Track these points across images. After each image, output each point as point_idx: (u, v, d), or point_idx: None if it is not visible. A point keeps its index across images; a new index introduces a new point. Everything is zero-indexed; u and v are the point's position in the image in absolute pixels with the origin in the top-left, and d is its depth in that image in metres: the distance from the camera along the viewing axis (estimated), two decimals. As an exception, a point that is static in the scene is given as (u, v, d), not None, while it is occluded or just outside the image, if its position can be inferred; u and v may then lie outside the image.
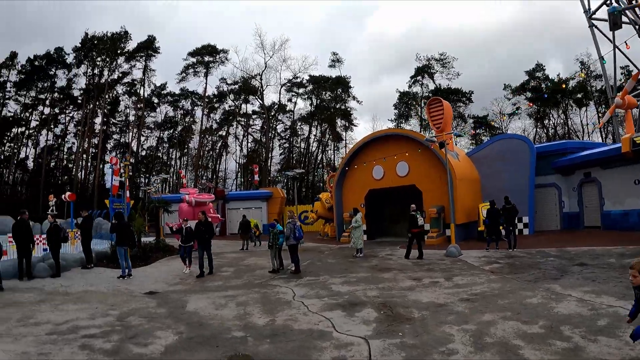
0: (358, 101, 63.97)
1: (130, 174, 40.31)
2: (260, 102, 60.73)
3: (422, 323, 6.98)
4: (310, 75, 62.21)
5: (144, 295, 10.43)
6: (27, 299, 9.63)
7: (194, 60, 62.49)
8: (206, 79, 62.52)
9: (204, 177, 59.45)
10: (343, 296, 9.34)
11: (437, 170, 20.71)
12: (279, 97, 62.57)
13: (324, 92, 63.52)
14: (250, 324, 7.42)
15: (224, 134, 64.41)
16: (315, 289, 10.29)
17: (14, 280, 11.63)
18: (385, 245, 20.20)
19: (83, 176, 60.59)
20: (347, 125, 63.57)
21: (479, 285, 9.80)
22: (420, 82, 60.61)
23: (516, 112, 46.73)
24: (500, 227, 16.38)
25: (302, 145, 65.78)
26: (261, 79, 58.98)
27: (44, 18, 79.46)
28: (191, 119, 65.03)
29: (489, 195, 20.70)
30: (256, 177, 43.43)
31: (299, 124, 65.17)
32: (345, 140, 63.24)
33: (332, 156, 64.29)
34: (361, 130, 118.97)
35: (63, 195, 27.85)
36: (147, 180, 58.43)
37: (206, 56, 62.31)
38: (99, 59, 60.08)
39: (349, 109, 63.28)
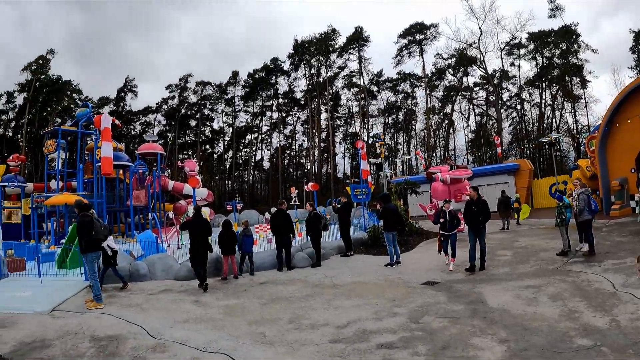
0: (593, 50, 52.69)
1: (386, 153, 40.87)
2: (483, 71, 55.49)
3: None
4: (528, 33, 54.40)
5: (422, 286, 8.74)
6: (292, 293, 8.68)
7: (405, 41, 60.78)
8: (422, 58, 60.09)
9: (436, 155, 57.65)
10: (680, 286, 6.99)
11: None
12: (502, 63, 56.50)
13: (549, 48, 54.85)
14: (588, 327, 5.52)
15: (448, 110, 61.57)
16: (633, 276, 7.85)
17: (272, 271, 11.25)
18: (668, 219, 15.76)
19: (316, 168, 64.68)
20: (581, 81, 53.35)
21: None
22: (656, 15, 47.23)
23: None
24: None
25: (534, 112, 58.40)
26: (479, 47, 53.80)
27: (251, 39, 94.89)
28: (413, 101, 63.80)
29: None
30: (499, 150, 41.03)
31: (526, 88, 57.95)
32: (585, 99, 53.40)
33: (571, 120, 55.11)
34: (600, 87, 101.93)
35: (305, 186, 28.87)
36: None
37: (417, 34, 60.01)
38: (313, 60, 63.44)
39: (581, 62, 53.06)
